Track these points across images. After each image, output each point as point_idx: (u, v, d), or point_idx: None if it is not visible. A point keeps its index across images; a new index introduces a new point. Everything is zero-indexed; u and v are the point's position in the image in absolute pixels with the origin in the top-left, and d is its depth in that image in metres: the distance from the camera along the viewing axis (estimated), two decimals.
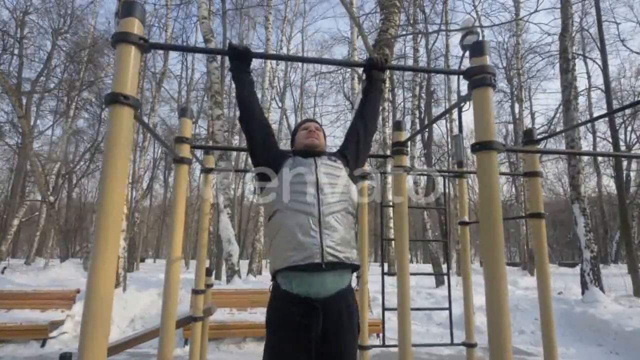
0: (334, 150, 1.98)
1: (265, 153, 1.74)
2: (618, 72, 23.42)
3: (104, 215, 1.40)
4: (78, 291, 5.53)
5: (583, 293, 7.35)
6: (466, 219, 4.68)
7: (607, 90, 10.83)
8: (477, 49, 1.89)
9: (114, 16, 6.59)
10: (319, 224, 1.55)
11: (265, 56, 1.82)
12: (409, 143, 3.72)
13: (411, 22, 16.59)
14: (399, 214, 3.09)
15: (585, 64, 20.39)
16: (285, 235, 1.57)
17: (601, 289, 7.12)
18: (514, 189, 22.36)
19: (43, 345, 4.74)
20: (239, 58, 1.66)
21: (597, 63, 12.77)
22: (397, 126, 3.48)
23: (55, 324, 4.97)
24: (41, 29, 20.53)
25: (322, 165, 1.72)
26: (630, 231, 9.40)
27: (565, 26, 8.71)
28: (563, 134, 9.84)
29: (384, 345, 4.14)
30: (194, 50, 1.99)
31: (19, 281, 6.69)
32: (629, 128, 21.30)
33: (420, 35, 14.66)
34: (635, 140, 21.67)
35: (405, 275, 2.98)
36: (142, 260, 25.30)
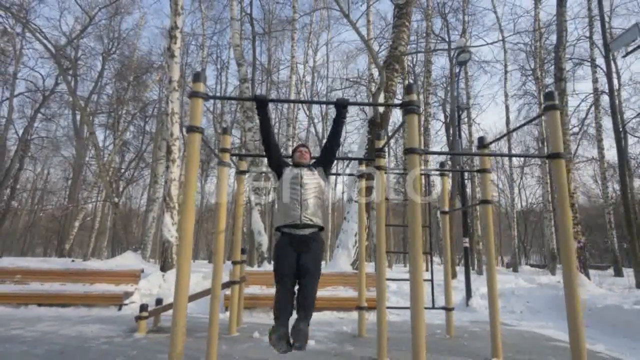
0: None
1: (275, 164, 3.15)
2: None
3: (186, 205, 2.72)
4: (142, 271, 7.01)
5: None
6: (446, 209, 5.78)
7: (611, 94, 11.38)
8: (408, 89, 3.11)
9: (167, 50, 8.18)
10: (300, 203, 2.93)
11: (274, 100, 3.12)
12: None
13: (430, 33, 17.59)
14: (378, 205, 4.28)
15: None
16: (282, 210, 2.99)
17: (587, 275, 7.87)
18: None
19: (119, 309, 6.22)
20: (260, 101, 2.96)
21: (601, 68, 13.31)
22: (377, 136, 4.69)
23: (128, 294, 6.43)
24: (93, 50, 22.92)
25: (304, 172, 3.09)
26: (633, 230, 9.97)
27: (560, 38, 9.51)
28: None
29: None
30: (234, 98, 3.29)
31: (92, 266, 8.27)
32: None
33: (434, 48, 15.60)
34: None
35: (382, 254, 4.14)
36: None
